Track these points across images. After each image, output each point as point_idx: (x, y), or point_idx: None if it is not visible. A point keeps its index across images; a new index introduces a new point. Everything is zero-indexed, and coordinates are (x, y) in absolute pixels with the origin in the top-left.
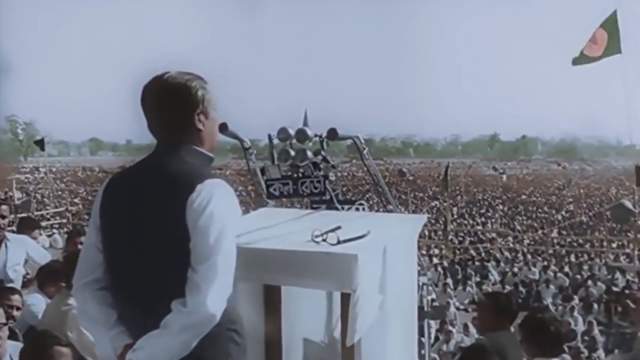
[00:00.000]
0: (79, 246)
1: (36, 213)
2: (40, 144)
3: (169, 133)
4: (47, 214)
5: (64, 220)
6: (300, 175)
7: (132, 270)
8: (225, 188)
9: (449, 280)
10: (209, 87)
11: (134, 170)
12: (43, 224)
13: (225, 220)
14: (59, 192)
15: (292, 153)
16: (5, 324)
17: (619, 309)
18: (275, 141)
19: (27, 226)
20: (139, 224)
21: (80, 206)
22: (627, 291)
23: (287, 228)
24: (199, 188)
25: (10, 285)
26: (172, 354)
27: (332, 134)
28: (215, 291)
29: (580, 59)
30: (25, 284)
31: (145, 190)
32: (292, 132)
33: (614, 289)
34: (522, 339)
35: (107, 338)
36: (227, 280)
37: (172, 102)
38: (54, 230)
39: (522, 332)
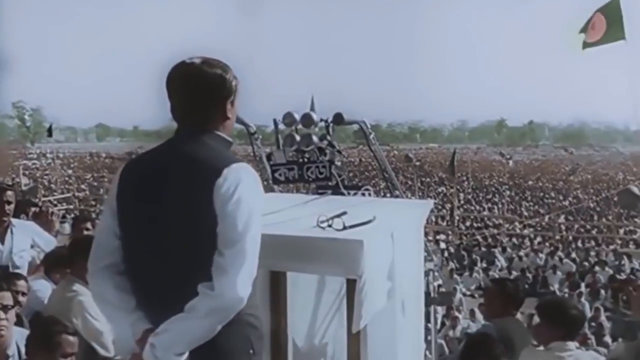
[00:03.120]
0: (85, 232)
1: (43, 199)
2: (48, 130)
3: (198, 119)
4: (54, 199)
5: (71, 206)
6: (305, 160)
7: (153, 255)
8: (251, 172)
9: (456, 266)
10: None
11: (155, 154)
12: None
13: (252, 205)
14: (66, 178)
15: (298, 138)
16: (12, 307)
17: (624, 297)
18: (281, 126)
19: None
20: (162, 208)
21: (87, 192)
22: (632, 277)
23: (292, 214)
24: (226, 172)
25: (16, 271)
26: (197, 338)
27: (338, 118)
28: (243, 275)
29: (583, 44)
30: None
31: (168, 175)
32: (297, 116)
33: (618, 276)
34: (541, 323)
35: (127, 323)
36: (253, 264)
37: (208, 91)
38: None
39: (543, 316)
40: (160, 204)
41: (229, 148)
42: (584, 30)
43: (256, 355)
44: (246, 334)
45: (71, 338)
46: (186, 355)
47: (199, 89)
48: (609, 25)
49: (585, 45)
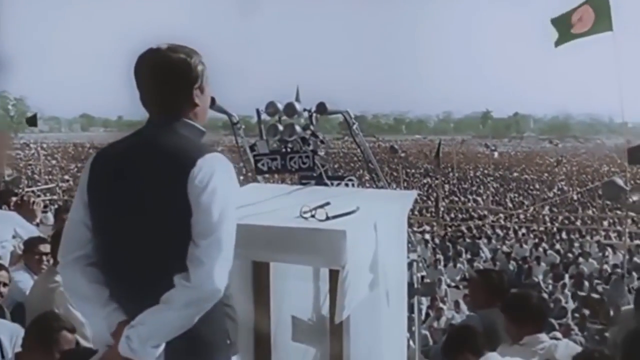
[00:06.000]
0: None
1: (27, 189)
2: (33, 120)
3: (166, 107)
4: (38, 190)
5: (55, 197)
6: (288, 150)
7: (127, 247)
8: (225, 162)
9: (440, 257)
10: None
11: (125, 144)
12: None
13: (227, 195)
14: (50, 169)
15: (281, 128)
16: None
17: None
18: (265, 116)
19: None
20: (135, 199)
21: (71, 182)
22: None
23: (275, 204)
24: (200, 162)
25: None
26: (174, 329)
27: (321, 108)
28: (220, 266)
29: (567, 37)
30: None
31: (141, 165)
32: (280, 106)
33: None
34: (507, 321)
35: (101, 315)
36: (229, 255)
37: (173, 77)
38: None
39: (507, 313)
40: (133, 195)
41: (202, 137)
42: (565, 21)
43: (232, 345)
44: (223, 324)
45: (69, 335)
46: (162, 347)
47: (164, 75)
48: (597, 16)
49: (573, 36)
